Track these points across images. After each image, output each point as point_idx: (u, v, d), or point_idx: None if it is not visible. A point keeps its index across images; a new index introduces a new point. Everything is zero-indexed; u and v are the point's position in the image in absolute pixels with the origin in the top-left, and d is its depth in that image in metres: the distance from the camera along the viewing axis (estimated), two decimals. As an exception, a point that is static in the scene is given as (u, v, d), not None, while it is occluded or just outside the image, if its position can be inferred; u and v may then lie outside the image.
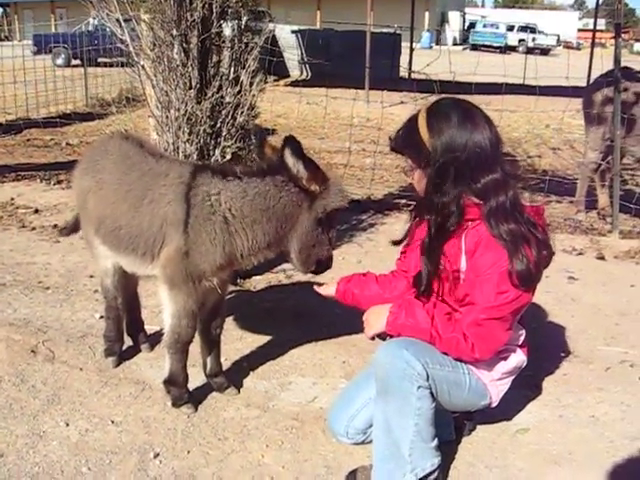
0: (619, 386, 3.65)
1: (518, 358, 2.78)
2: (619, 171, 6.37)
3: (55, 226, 6.47)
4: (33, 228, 6.45)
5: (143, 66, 4.36)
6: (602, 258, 5.88)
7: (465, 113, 2.52)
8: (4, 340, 3.80)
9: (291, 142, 2.88)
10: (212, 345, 3.42)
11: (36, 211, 6.98)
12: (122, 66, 18.81)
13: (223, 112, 4.44)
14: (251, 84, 4.51)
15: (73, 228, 3.88)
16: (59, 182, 8.03)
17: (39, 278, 5.06)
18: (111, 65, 17.08)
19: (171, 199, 3.04)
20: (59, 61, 23.58)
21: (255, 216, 2.99)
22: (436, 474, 2.58)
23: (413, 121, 2.60)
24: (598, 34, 22.93)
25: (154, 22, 4.27)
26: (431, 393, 2.53)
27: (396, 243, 2.95)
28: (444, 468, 2.77)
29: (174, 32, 4.23)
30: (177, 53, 4.27)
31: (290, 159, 2.89)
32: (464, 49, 38.46)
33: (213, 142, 4.43)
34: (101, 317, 4.19)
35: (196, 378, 3.46)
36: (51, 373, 3.56)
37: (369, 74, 16.02)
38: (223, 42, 4.37)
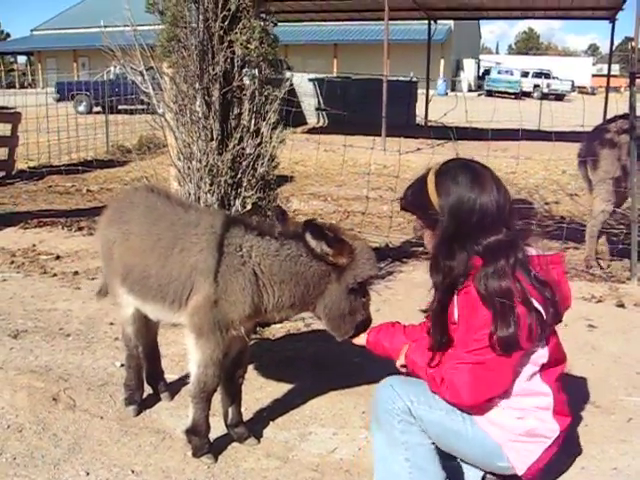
0: (640, 438, 3.62)
1: (543, 424, 2.66)
2: (637, 218, 6.35)
3: (76, 273, 6.56)
4: (54, 274, 6.53)
5: (166, 118, 4.46)
6: (622, 306, 5.84)
7: (473, 175, 2.57)
8: (26, 388, 3.83)
9: (309, 226, 2.98)
10: (234, 395, 3.44)
11: (57, 257, 7.08)
12: (143, 113, 19.25)
13: (244, 163, 4.53)
14: (271, 136, 4.59)
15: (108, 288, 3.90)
16: (80, 229, 8.14)
17: (60, 325, 5.11)
18: (132, 112, 17.46)
19: (202, 247, 3.10)
20: (81, 108, 24.10)
21: (283, 277, 3.05)
22: None
23: (422, 181, 2.65)
24: (613, 79, 23.06)
25: (177, 75, 4.39)
26: (423, 432, 2.61)
27: (425, 311, 2.95)
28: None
29: (197, 85, 4.34)
30: (199, 106, 4.38)
31: (312, 242, 2.97)
32: (479, 95, 38.82)
33: (234, 192, 4.51)
34: (121, 365, 4.22)
35: (216, 428, 3.46)
36: (72, 421, 3.59)
37: (386, 121, 16.21)
38: (244, 94, 4.47)
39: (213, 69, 4.34)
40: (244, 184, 4.51)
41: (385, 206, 10.42)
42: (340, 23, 35.58)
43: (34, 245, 7.47)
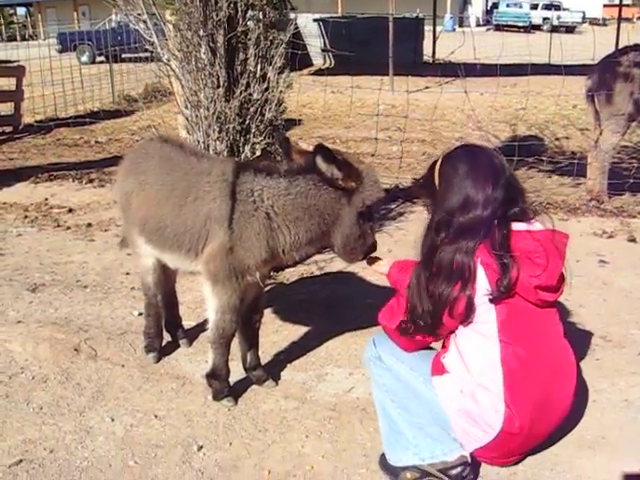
0: (652, 370, 3.68)
1: (479, 409, 2.60)
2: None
3: (89, 225, 6.62)
4: (68, 227, 6.59)
5: (171, 66, 4.43)
6: (633, 240, 5.85)
7: (472, 164, 2.63)
8: (48, 340, 3.92)
9: (320, 150, 2.98)
10: (251, 339, 3.52)
11: (70, 210, 7.13)
12: (147, 61, 19.03)
13: (251, 109, 4.51)
14: (278, 80, 4.56)
15: None
16: (91, 181, 8.17)
17: (77, 277, 5.19)
18: (136, 60, 17.27)
19: (215, 196, 3.14)
20: (84, 58, 23.82)
21: (297, 213, 3.09)
22: (460, 469, 2.66)
23: (432, 167, 2.76)
24: (625, 9, 22.52)
25: (181, 23, 4.34)
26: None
27: None
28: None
29: (201, 32, 4.30)
30: (204, 53, 4.35)
31: (322, 165, 2.97)
32: (488, 30, 37.99)
33: (242, 139, 4.51)
34: (139, 314, 4.30)
35: (235, 372, 3.54)
36: (94, 370, 3.68)
37: (393, 60, 15.96)
38: (249, 40, 4.42)
39: (217, 15, 4.28)
40: (252, 130, 4.51)
41: (394, 147, 10.36)
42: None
43: (46, 199, 7.52)
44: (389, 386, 2.81)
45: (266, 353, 3.81)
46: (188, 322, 4.17)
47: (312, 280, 4.98)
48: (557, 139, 10.72)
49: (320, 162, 2.97)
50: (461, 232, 2.57)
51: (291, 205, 3.08)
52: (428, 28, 22.26)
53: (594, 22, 44.79)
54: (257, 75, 4.51)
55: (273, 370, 3.67)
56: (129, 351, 3.90)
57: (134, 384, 3.56)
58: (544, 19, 44.53)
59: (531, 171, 8.52)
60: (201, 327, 4.17)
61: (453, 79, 16.84)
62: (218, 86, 4.43)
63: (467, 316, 2.58)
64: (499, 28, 38.73)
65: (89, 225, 6.62)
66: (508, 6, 46.23)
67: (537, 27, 42.23)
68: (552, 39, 20.79)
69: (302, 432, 3.15)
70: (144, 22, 4.50)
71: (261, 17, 4.46)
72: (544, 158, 8.32)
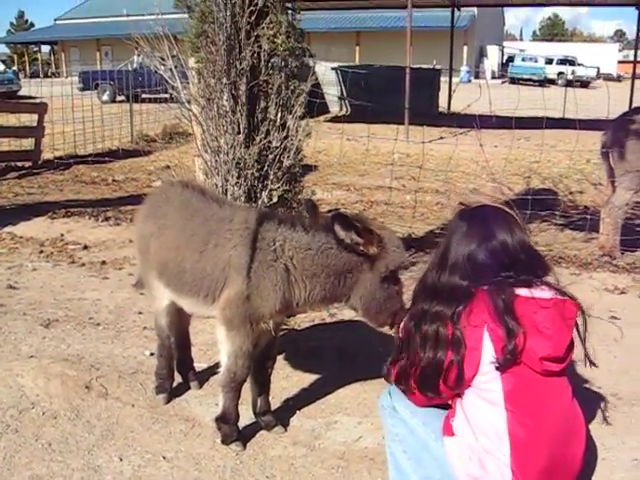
0: (663, 428, 3.65)
1: (487, 476, 2.55)
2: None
3: (104, 262, 6.68)
4: (83, 264, 6.66)
5: (193, 111, 4.54)
6: (646, 299, 5.84)
7: (470, 224, 2.67)
8: (59, 376, 3.94)
9: (338, 217, 3.05)
10: (262, 384, 3.53)
11: (85, 247, 7.21)
12: (166, 102, 19.34)
13: (270, 156, 4.59)
14: (297, 128, 4.65)
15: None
16: (107, 219, 8.26)
17: (90, 314, 5.23)
18: (155, 101, 17.57)
19: (236, 243, 3.19)
20: (104, 97, 24.29)
21: (315, 270, 3.12)
22: None
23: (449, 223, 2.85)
24: (639, 66, 22.75)
25: (205, 70, 4.45)
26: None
27: None
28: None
29: (224, 80, 4.41)
30: (227, 100, 4.44)
31: (341, 233, 3.03)
32: (503, 82, 38.47)
33: (260, 185, 4.58)
34: (151, 354, 4.33)
35: (244, 416, 3.55)
36: (104, 409, 3.70)
37: (408, 110, 16.17)
38: (270, 89, 4.52)
39: (240, 64, 4.40)
40: (270, 177, 4.58)
41: (408, 195, 10.45)
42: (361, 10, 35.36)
43: (62, 235, 7.61)
44: (402, 437, 2.81)
45: (276, 399, 3.82)
46: (199, 364, 4.19)
47: (323, 327, 4.99)
48: (571, 193, 10.78)
49: (338, 230, 3.03)
50: (440, 294, 2.59)
51: (310, 261, 3.12)
52: (444, 79, 22.57)
53: (608, 78, 45.25)
54: (277, 123, 4.59)
55: (282, 416, 3.67)
56: (140, 391, 3.92)
57: (143, 424, 3.57)
58: (559, 74, 45.03)
59: (544, 224, 8.56)
60: (212, 370, 4.19)
61: (468, 130, 17.06)
62: (238, 132, 4.52)
63: (458, 386, 2.57)
64: (514, 81, 39.27)
65: (103, 263, 6.68)
66: (524, 60, 46.86)
67: (552, 81, 42.78)
68: (566, 93, 21.08)
69: (310, 480, 3.15)
70: (169, 69, 4.60)
71: (283, 66, 4.55)
72: (557, 212, 8.38)
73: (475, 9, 40.27)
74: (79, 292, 5.80)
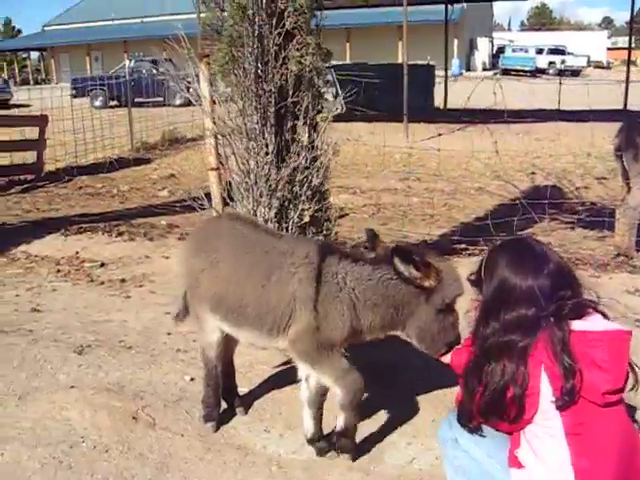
0: None
1: None
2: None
3: (123, 280, 6.68)
4: (102, 282, 6.66)
5: (225, 136, 4.55)
6: (665, 302, 5.88)
7: (512, 256, 2.69)
8: (105, 407, 3.95)
9: (397, 251, 3.13)
10: (317, 410, 3.57)
11: (102, 265, 7.20)
12: (162, 106, 19.25)
13: (299, 176, 4.60)
14: (325, 147, 4.67)
15: (186, 311, 3.95)
16: (120, 234, 8.25)
17: (119, 337, 5.22)
18: (149, 105, 17.52)
19: (301, 277, 3.24)
20: (97, 103, 24.26)
21: (376, 301, 3.21)
22: None
23: (481, 260, 2.84)
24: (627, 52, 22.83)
25: (235, 94, 4.46)
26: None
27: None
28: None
29: (253, 103, 4.41)
30: (257, 122, 4.45)
31: (400, 266, 3.10)
32: (494, 74, 38.58)
33: (291, 205, 4.59)
34: (191, 379, 4.36)
35: (293, 442, 3.57)
36: (155, 440, 3.71)
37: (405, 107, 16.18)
38: (299, 110, 4.53)
39: (268, 86, 4.41)
40: (301, 197, 4.59)
41: (415, 198, 10.49)
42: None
43: (77, 252, 7.60)
44: (465, 468, 2.83)
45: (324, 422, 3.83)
46: (241, 388, 4.19)
47: (360, 347, 4.99)
48: (577, 189, 10.82)
49: (398, 263, 3.10)
50: (507, 330, 2.59)
51: (372, 292, 3.20)
52: (437, 72, 22.62)
53: (598, 65, 45.52)
54: (305, 143, 4.60)
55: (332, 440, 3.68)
56: (186, 419, 3.93)
57: (196, 455, 3.58)
58: (550, 63, 45.36)
59: (553, 223, 8.61)
60: (254, 393, 4.23)
61: (465, 126, 17.11)
62: (267, 153, 4.53)
63: (518, 422, 2.59)
64: (506, 72, 39.43)
65: (123, 281, 6.68)
66: (514, 51, 47.19)
67: (543, 71, 43.02)
68: (559, 84, 21.15)
69: (371, 506, 3.18)
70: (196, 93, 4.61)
71: (310, 86, 4.56)
72: (566, 210, 8.45)
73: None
74: (104, 313, 5.79)
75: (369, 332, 3.32)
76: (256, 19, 4.29)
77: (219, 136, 4.71)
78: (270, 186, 4.48)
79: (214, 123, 4.78)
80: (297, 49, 4.35)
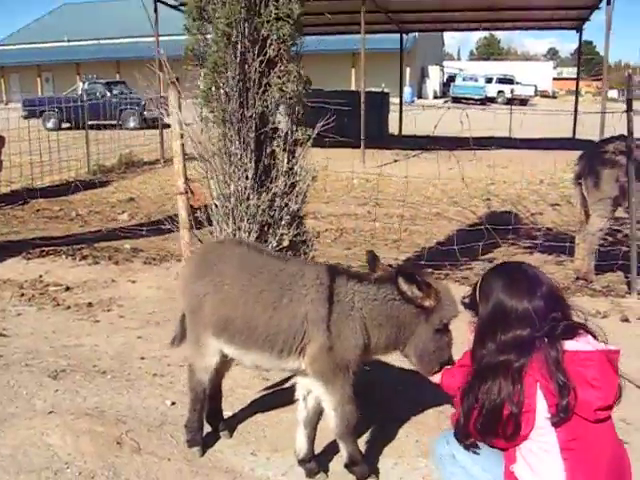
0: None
1: None
2: (636, 234, 6.65)
3: (90, 304, 6.59)
4: (68, 307, 6.56)
5: (210, 161, 4.59)
6: (626, 320, 6.10)
7: (507, 280, 2.80)
8: (87, 432, 3.89)
9: (402, 272, 3.28)
10: (312, 430, 3.64)
11: (67, 289, 7.09)
12: (116, 128, 19.07)
13: (278, 201, 4.67)
14: (303, 174, 4.75)
15: (182, 336, 3.95)
16: (84, 257, 8.14)
17: (92, 362, 5.16)
18: (103, 127, 17.37)
19: (312, 298, 3.32)
20: (49, 125, 23.93)
21: (381, 320, 3.33)
22: None
23: (476, 284, 2.95)
24: (572, 83, 23.79)
25: (216, 118, 4.51)
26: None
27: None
28: None
29: (235, 127, 4.47)
30: (237, 148, 4.51)
31: (404, 286, 3.24)
32: (445, 102, 39.47)
33: (271, 230, 4.65)
34: (172, 404, 4.35)
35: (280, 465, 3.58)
36: (142, 465, 3.68)
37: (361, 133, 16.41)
38: (279, 136, 4.61)
39: (249, 111, 4.48)
40: (281, 221, 4.66)
41: (377, 223, 10.63)
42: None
43: (40, 276, 7.46)
44: None
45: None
46: (225, 412, 4.20)
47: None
48: (532, 214, 11.14)
49: (402, 283, 3.23)
50: (503, 351, 2.70)
51: (377, 311, 3.32)
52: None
53: (545, 95, 46.95)
54: (284, 168, 4.68)
55: (321, 460, 3.73)
56: (172, 443, 3.91)
57: (184, 479, 3.57)
58: (499, 92, 46.79)
59: (511, 248, 8.85)
60: (237, 417, 4.24)
61: (420, 152, 17.45)
62: (247, 178, 4.59)
63: (514, 438, 2.69)
64: (456, 100, 40.38)
65: (90, 305, 6.60)
66: (464, 79, 48.46)
67: (492, 100, 44.25)
68: (506, 113, 21.77)
69: (365, 527, 3.22)
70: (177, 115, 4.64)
71: (290, 112, 4.65)
72: (523, 235, 8.71)
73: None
74: (74, 338, 5.71)
75: (376, 351, 3.43)
76: (239, 46, 4.36)
77: (198, 160, 4.73)
78: (250, 211, 4.53)
79: (195, 145, 4.80)
80: (279, 76, 4.43)
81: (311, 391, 3.51)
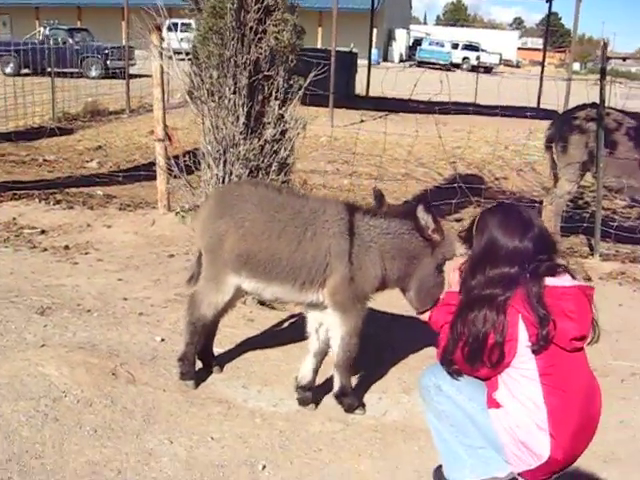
0: (637, 395, 4.19)
1: (543, 445, 2.90)
2: (601, 198, 6.95)
3: (67, 247, 6.61)
4: (45, 249, 6.57)
5: (203, 103, 4.66)
6: (589, 279, 6.41)
7: (501, 219, 2.98)
8: (82, 364, 4.00)
9: (422, 201, 3.52)
10: (320, 362, 3.86)
11: (42, 232, 7.08)
12: (79, 77, 18.68)
13: (268, 147, 4.78)
14: (293, 121, 4.86)
15: (199, 274, 4.00)
16: (58, 202, 8.09)
17: (76, 301, 5.23)
18: (65, 75, 17.01)
19: (335, 232, 3.52)
20: (8, 70, 23.30)
21: (394, 253, 3.55)
22: None
23: (472, 220, 3.13)
24: (538, 53, 24.13)
25: (210, 63, 4.58)
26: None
27: None
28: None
29: (229, 73, 4.55)
30: (230, 92, 4.59)
31: (422, 213, 3.44)
32: (410, 66, 39.49)
33: (260, 175, 4.76)
34: (162, 340, 4.48)
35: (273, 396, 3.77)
36: (138, 394, 3.81)
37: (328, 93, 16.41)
38: (272, 83, 4.70)
39: (244, 58, 4.55)
40: (269, 168, 4.77)
41: (345, 180, 10.78)
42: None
43: (14, 218, 7.42)
44: (448, 412, 3.10)
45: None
46: (215, 349, 4.35)
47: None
48: (496, 179, 11.41)
49: (420, 210, 3.44)
50: (490, 284, 2.91)
51: (390, 244, 3.54)
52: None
53: (508, 64, 47.34)
54: (276, 115, 4.78)
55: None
56: (165, 376, 4.06)
57: (181, 408, 3.73)
58: (464, 59, 46.99)
59: (478, 209, 9.09)
60: (226, 354, 4.41)
61: (386, 114, 17.55)
62: (239, 122, 4.67)
63: (498, 365, 2.92)
64: (421, 65, 40.43)
65: (67, 247, 6.62)
66: (430, 44, 48.52)
67: (457, 66, 44.43)
68: (471, 78, 22.00)
69: (354, 452, 3.45)
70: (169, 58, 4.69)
71: (284, 61, 4.73)
72: (488, 197, 8.96)
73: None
74: (54, 278, 5.75)
75: (387, 283, 3.64)
76: (237, -8, 4.41)
77: (190, 103, 4.80)
78: (241, 155, 4.63)
79: (192, 85, 4.85)
80: (275, 25, 4.50)
81: (322, 324, 3.72)
